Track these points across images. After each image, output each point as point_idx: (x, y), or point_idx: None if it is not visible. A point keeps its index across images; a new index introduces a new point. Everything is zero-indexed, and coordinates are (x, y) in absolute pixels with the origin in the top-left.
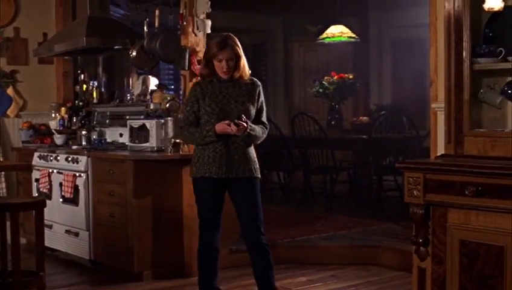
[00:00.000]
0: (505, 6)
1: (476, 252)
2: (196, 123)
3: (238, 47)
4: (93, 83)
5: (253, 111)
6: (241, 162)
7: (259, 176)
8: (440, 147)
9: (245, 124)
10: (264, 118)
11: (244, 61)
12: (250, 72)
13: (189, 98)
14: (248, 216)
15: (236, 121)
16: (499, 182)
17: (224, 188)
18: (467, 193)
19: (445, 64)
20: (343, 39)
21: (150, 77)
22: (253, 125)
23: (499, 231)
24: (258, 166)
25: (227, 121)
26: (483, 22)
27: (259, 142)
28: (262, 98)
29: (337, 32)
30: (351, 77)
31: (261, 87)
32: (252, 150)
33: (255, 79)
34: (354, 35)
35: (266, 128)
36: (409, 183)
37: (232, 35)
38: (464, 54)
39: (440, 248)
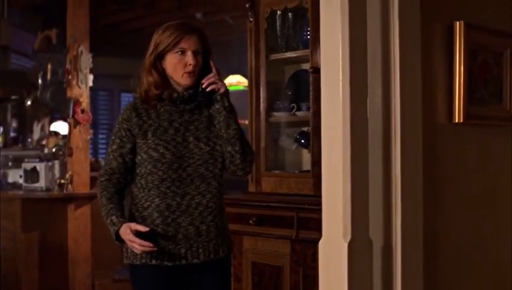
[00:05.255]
0: (300, 69)
1: (263, 271)
2: (123, 172)
3: (207, 39)
4: None
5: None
6: (211, 235)
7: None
8: None
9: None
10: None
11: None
12: None
13: (117, 132)
14: None
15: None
16: (273, 213)
17: (180, 281)
18: (251, 222)
19: (248, 116)
20: (239, 88)
21: (57, 123)
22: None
23: (277, 254)
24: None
25: (131, 234)
26: (285, 81)
27: (243, 169)
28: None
29: (234, 81)
30: (246, 122)
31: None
32: (223, 208)
33: None
34: None
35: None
36: None
37: None
38: (261, 108)
39: (239, 268)
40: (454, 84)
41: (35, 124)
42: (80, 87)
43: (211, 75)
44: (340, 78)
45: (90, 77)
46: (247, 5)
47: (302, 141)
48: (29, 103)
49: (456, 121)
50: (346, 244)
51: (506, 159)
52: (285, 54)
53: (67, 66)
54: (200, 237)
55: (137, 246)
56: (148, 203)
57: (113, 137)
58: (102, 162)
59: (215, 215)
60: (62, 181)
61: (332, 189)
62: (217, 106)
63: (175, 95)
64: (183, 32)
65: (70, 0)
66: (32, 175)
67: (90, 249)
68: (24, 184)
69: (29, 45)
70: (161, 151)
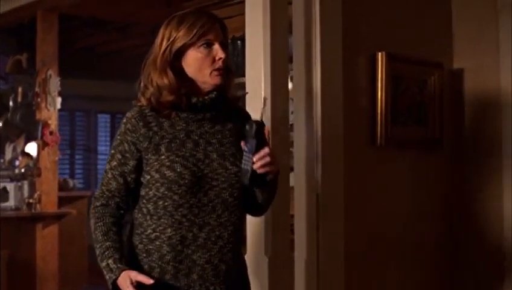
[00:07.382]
0: None
1: None
2: (123, 195)
3: (227, 30)
4: None
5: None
6: (230, 273)
7: None
8: None
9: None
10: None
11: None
12: None
13: (118, 145)
14: None
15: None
16: None
17: None
18: None
19: None
20: None
21: (31, 144)
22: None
23: None
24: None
25: (131, 287)
26: None
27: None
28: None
29: None
30: None
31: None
32: (241, 245)
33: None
34: None
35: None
36: None
37: None
38: None
39: None
40: (376, 109)
41: (7, 144)
42: (48, 110)
43: (266, 152)
44: (262, 99)
45: (59, 100)
46: None
47: None
48: (0, 124)
49: (378, 143)
50: (267, 259)
51: (432, 180)
52: (236, 79)
53: (37, 89)
54: (218, 278)
55: None
56: (157, 233)
57: (112, 151)
58: (71, 183)
59: (236, 252)
60: (31, 201)
61: None
62: (263, 185)
63: (194, 99)
64: (207, 21)
65: (39, 27)
66: (2, 195)
67: (57, 267)
68: None
69: (3, 68)
70: (178, 170)
